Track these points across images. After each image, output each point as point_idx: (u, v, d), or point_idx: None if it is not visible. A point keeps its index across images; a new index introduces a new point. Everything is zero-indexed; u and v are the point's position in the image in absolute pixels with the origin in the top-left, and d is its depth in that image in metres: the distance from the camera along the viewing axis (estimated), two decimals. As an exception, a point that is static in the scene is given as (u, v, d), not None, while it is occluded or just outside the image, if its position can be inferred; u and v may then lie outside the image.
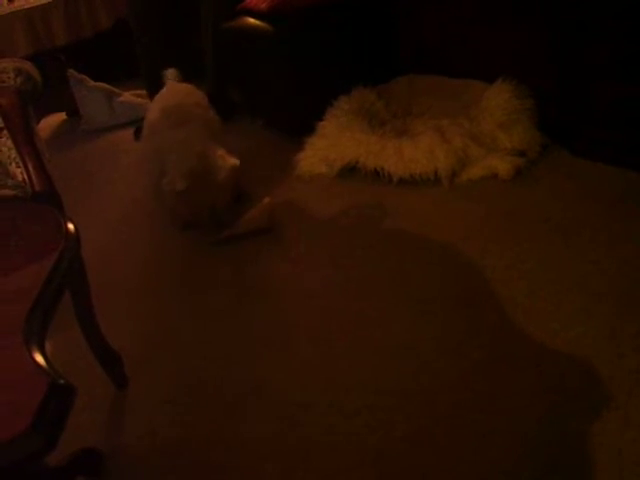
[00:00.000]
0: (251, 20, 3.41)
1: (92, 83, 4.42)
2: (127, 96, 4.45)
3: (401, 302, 2.18)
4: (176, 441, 1.83)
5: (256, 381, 1.97)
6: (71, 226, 1.41)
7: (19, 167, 1.94)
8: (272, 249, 2.63)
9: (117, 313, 2.35)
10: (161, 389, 2.02)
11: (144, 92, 4.28)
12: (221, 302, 2.36)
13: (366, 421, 1.77)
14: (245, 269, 2.54)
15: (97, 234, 2.91)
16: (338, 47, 3.41)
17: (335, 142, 3.06)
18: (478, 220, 2.54)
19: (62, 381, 1.08)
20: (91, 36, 4.24)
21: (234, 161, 2.62)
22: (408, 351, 1.98)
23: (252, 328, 2.20)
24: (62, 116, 4.69)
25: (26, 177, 1.91)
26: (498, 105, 2.94)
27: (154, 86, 4.03)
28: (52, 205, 1.90)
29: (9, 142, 1.96)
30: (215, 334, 2.22)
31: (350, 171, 3.03)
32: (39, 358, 1.10)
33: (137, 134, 3.90)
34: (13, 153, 1.94)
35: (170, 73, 3.25)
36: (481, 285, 2.19)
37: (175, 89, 3.08)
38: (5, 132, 1.96)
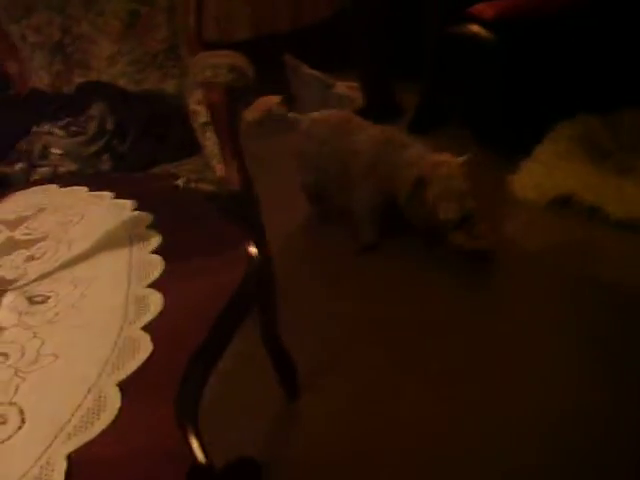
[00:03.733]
0: (475, 27, 3.24)
1: (308, 70, 4.41)
2: (341, 87, 4.41)
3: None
4: (341, 458, 1.77)
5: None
6: (255, 250, 1.28)
7: (220, 163, 1.90)
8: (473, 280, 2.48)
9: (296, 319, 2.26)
10: (331, 404, 1.96)
11: (356, 85, 4.22)
12: (406, 327, 2.24)
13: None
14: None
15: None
16: (565, 65, 3.15)
17: (551, 170, 2.85)
18: None
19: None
20: (310, 24, 4.20)
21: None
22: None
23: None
24: (276, 99, 4.70)
25: (225, 174, 1.86)
26: None
27: (368, 80, 4.00)
28: (248, 206, 1.86)
29: (214, 137, 1.92)
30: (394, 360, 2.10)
31: (563, 203, 2.79)
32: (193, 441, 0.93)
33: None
34: (217, 148, 1.91)
35: None
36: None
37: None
38: (211, 127, 1.92)
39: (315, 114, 3.02)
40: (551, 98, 3.17)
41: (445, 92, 3.70)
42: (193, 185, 1.90)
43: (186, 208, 1.46)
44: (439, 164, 2.52)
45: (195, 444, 0.89)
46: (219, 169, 1.91)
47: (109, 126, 2.11)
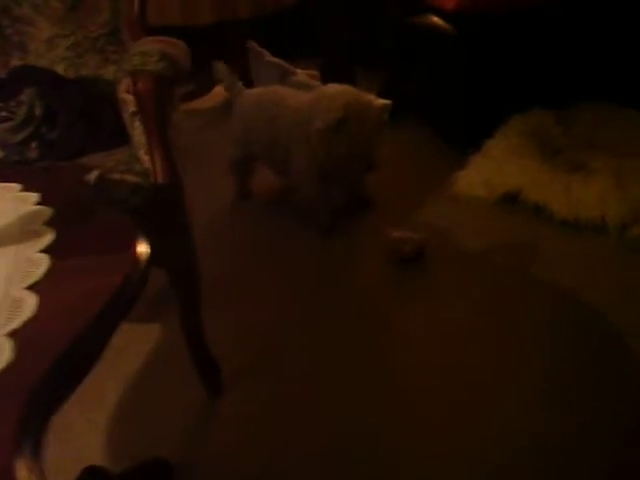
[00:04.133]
0: (434, 19, 3.20)
1: (269, 58, 4.36)
2: (301, 75, 4.34)
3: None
4: (258, 462, 1.72)
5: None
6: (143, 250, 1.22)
7: (147, 154, 1.85)
8: (412, 276, 2.44)
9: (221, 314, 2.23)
10: (254, 404, 1.92)
11: (316, 73, 4.17)
12: (336, 321, 2.22)
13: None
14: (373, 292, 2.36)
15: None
16: (522, 61, 3.12)
17: (500, 166, 2.82)
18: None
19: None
20: (274, 11, 4.14)
21: (385, 101, 2.61)
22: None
23: (361, 362, 2.04)
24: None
25: (151, 166, 1.81)
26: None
27: (328, 68, 3.95)
28: (173, 197, 1.81)
29: (142, 127, 1.87)
30: (324, 359, 2.07)
31: (511, 200, 2.76)
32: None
33: None
34: (144, 139, 1.85)
35: (220, 66, 3.19)
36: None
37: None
38: (139, 117, 1.87)
39: (245, 91, 3.06)
40: (507, 92, 3.14)
41: (404, 82, 3.66)
42: (118, 176, 1.85)
43: (90, 204, 1.41)
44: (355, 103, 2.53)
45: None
46: (145, 160, 1.86)
47: (38, 112, 2.05)
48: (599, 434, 1.70)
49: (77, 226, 1.30)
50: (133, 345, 2.17)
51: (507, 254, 2.50)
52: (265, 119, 2.80)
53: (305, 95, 2.77)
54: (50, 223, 1.30)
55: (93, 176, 1.55)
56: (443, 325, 2.16)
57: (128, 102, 1.84)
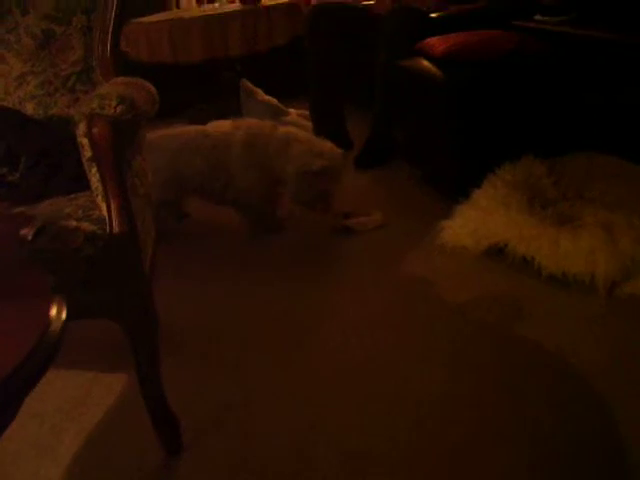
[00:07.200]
0: (424, 63, 3.14)
1: (262, 97, 4.32)
2: (293, 116, 4.31)
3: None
4: None
5: None
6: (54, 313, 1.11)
7: (103, 202, 1.76)
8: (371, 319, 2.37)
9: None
10: (215, 465, 1.79)
11: (307, 113, 4.12)
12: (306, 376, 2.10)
13: None
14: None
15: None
16: (513, 108, 3.04)
17: (487, 217, 2.72)
18: (636, 349, 2.09)
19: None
20: (266, 50, 4.10)
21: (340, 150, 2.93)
22: None
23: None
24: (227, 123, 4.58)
25: (106, 215, 1.72)
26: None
27: (318, 109, 3.90)
28: (128, 247, 1.72)
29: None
30: (290, 413, 1.94)
31: (497, 252, 2.67)
32: None
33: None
34: (101, 186, 1.76)
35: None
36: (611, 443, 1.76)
37: None
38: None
39: (159, 132, 3.13)
40: (498, 140, 3.07)
41: (394, 125, 3.59)
42: (74, 224, 1.76)
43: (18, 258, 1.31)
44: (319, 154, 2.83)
45: None
46: (102, 208, 1.76)
47: (-1, 153, 1.97)
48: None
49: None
50: (94, 396, 2.10)
51: (488, 309, 2.39)
52: (203, 151, 2.96)
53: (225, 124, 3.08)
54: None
55: (30, 232, 1.45)
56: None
57: (85, 147, 1.75)
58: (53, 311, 1.09)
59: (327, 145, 2.91)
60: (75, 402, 2.09)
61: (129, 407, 2.02)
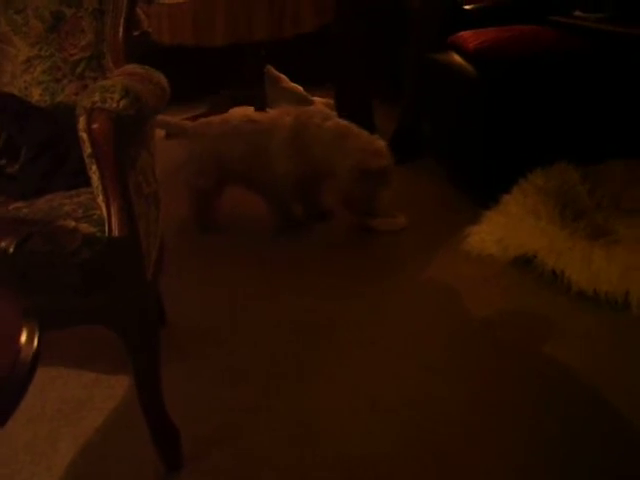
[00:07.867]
0: (456, 57, 2.99)
1: (287, 84, 4.20)
2: (318, 105, 4.18)
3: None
4: None
5: None
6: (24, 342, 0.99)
7: (103, 202, 1.64)
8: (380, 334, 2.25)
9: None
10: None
11: (332, 102, 4.00)
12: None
13: None
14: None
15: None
16: (547, 109, 2.89)
17: (516, 225, 2.59)
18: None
19: None
20: (292, 36, 3.95)
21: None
22: None
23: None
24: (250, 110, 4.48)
25: (106, 216, 1.60)
26: None
27: (344, 98, 3.78)
28: (128, 252, 1.61)
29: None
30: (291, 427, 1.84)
31: (526, 262, 2.53)
32: None
33: None
34: (101, 184, 1.64)
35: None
36: None
37: None
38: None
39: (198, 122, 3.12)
40: (530, 143, 2.92)
41: (422, 120, 3.46)
42: (72, 224, 1.65)
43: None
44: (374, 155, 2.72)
45: None
46: (102, 208, 1.64)
47: (-1, 144, 1.86)
48: None
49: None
50: (96, 399, 2.01)
51: (512, 327, 2.26)
52: (247, 136, 2.89)
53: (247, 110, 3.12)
54: None
55: (11, 244, 1.33)
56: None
57: (85, 142, 1.62)
58: (23, 338, 0.98)
59: (381, 143, 2.79)
60: (75, 404, 2.00)
61: (130, 413, 1.89)
